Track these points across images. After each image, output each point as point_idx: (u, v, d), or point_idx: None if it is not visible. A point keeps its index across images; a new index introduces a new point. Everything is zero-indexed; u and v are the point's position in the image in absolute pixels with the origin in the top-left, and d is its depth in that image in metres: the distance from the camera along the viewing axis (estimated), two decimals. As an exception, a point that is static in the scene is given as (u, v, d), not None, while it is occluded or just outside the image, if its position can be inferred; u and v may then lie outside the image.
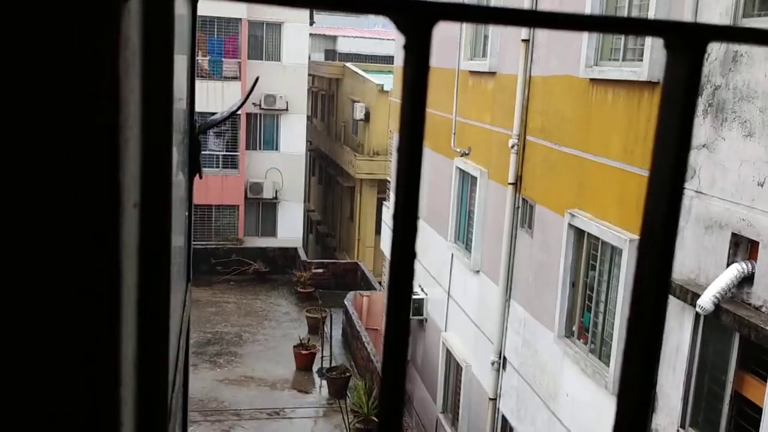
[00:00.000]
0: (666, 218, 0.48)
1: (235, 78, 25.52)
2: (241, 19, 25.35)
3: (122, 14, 0.49)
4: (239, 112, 25.37)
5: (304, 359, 17.78)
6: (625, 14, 8.05)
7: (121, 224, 0.51)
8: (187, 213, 1.89)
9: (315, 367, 17.81)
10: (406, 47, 0.42)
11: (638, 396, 0.47)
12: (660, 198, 0.48)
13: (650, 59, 7.26)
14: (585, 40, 8.53)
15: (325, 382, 16.96)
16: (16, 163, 0.50)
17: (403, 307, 0.47)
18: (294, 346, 18.01)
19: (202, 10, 26.38)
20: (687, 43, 0.47)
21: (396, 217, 0.45)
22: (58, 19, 0.48)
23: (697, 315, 6.48)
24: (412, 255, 0.46)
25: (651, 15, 7.28)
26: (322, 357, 17.70)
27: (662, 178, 0.48)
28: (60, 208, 0.50)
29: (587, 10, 8.47)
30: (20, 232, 0.51)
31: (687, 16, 6.73)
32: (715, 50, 6.35)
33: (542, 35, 9.85)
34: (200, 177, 1.90)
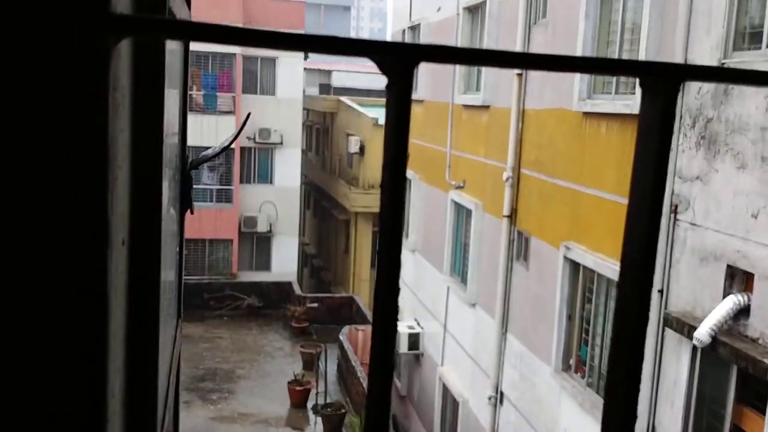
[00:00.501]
0: (644, 256, 0.48)
1: (229, 112, 25.68)
2: (235, 54, 25.60)
3: (112, 57, 0.49)
4: (233, 146, 25.47)
5: (299, 396, 17.58)
6: (617, 49, 8.15)
7: (108, 262, 0.51)
8: (178, 249, 1.87)
9: (310, 404, 17.60)
10: (387, 87, 0.42)
11: (624, 410, 0.47)
12: (638, 231, 0.49)
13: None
14: (578, 74, 8.62)
15: (320, 419, 16.74)
16: (4, 199, 0.50)
17: (388, 349, 0.46)
18: (288, 382, 17.82)
19: (197, 45, 26.77)
20: (661, 82, 0.48)
21: (381, 253, 0.45)
22: (48, 62, 0.49)
23: (695, 348, 6.44)
24: (396, 288, 0.45)
25: (642, 49, 7.36)
26: (317, 393, 17.50)
27: (640, 212, 0.48)
28: (48, 246, 0.51)
29: (579, 46, 8.57)
30: (8, 267, 0.51)
31: (678, 51, 6.80)
32: (707, 83, 6.42)
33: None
34: (191, 212, 1.88)
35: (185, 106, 1.90)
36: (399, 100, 0.42)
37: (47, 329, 0.52)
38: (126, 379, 0.74)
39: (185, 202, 1.79)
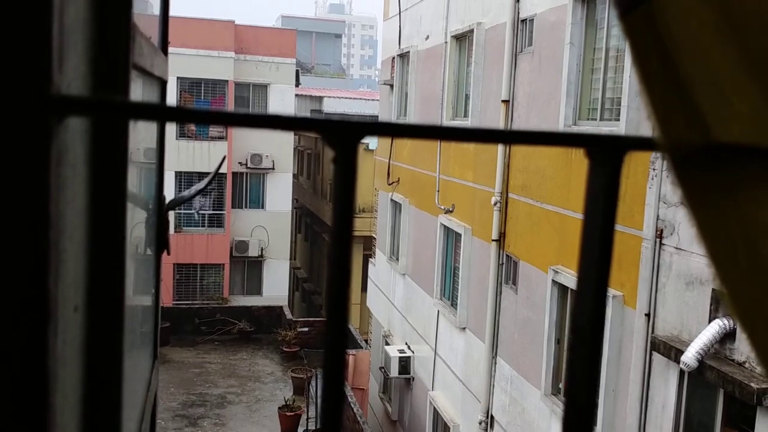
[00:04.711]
0: (592, 319, 0.50)
1: (221, 138, 25.74)
2: (227, 80, 25.73)
3: (55, 135, 0.50)
4: (225, 171, 25.51)
5: (289, 421, 17.44)
6: (601, 76, 8.28)
7: (49, 334, 0.51)
8: (154, 290, 1.89)
9: (300, 429, 17.46)
10: (334, 161, 0.47)
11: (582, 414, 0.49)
12: (587, 296, 0.51)
13: (627, 118, 7.43)
14: (563, 99, 8.74)
15: (311, 445, 16.60)
16: None
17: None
18: (279, 408, 17.69)
19: (189, 71, 26.53)
20: (607, 153, 0.51)
21: (328, 317, 0.48)
22: None
23: (682, 372, 6.48)
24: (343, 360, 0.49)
25: (626, 76, 7.47)
26: (307, 418, 17.37)
27: (588, 276, 0.51)
28: None
29: (564, 73, 8.70)
30: None
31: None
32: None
33: (522, 95, 10.07)
34: (168, 254, 1.91)
35: (163, 142, 1.92)
36: (344, 172, 0.46)
37: None
38: None
39: (161, 244, 1.81)
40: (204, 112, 0.47)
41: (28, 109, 0.48)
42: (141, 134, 1.41)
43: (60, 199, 0.53)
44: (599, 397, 7.97)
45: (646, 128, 7.06)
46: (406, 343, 14.87)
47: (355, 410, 16.36)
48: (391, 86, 16.26)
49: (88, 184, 0.68)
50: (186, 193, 3.27)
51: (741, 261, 0.45)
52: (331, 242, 0.47)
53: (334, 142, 0.46)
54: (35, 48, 0.50)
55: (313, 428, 16.97)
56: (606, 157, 0.51)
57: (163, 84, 1.67)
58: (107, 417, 0.76)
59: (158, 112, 0.45)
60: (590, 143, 0.52)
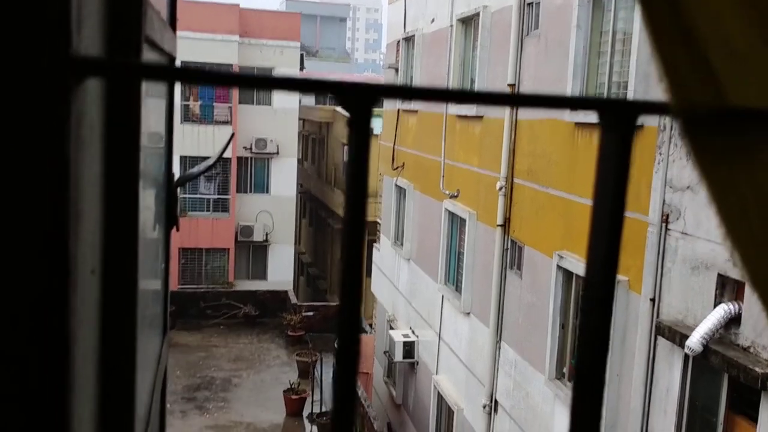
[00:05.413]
0: (605, 272, 0.51)
1: (226, 122, 25.73)
2: (232, 65, 25.66)
3: (75, 96, 0.51)
4: (230, 156, 25.51)
5: (295, 404, 17.56)
6: (608, 59, 8.23)
7: (70, 290, 0.52)
8: (164, 265, 1.90)
9: (305, 412, 17.58)
10: (349, 123, 0.47)
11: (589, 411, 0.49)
12: (598, 264, 0.51)
13: (633, 103, 7.39)
14: (570, 84, 8.69)
15: (315, 428, 16.72)
16: None
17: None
18: (284, 391, 17.80)
19: (194, 56, 26.46)
20: (619, 117, 0.50)
21: (342, 283, 0.48)
22: (7, 103, 0.50)
23: (686, 356, 6.49)
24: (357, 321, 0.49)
25: (633, 59, 7.43)
26: (312, 401, 17.48)
27: (598, 248, 0.51)
28: (4, 280, 0.51)
29: (570, 56, 8.65)
30: None
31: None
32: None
33: (528, 79, 10.03)
34: (177, 230, 1.92)
35: (172, 119, 1.93)
36: (359, 136, 0.47)
37: (7, 356, 0.51)
38: (98, 417, 0.73)
39: (171, 219, 1.82)
40: (215, 74, 0.47)
41: (50, 69, 0.49)
42: (150, 117, 1.42)
43: (79, 159, 0.54)
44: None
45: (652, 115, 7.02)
46: (411, 328, 14.92)
47: (359, 393, 16.45)
48: (396, 70, 16.20)
49: (103, 148, 0.69)
50: (195, 169, 3.28)
51: (753, 223, 0.45)
52: (346, 203, 0.48)
53: (350, 105, 0.46)
54: (57, 11, 0.51)
55: (318, 411, 17.07)
56: (618, 121, 0.50)
57: (171, 60, 1.67)
58: (122, 378, 0.77)
59: (171, 73, 0.46)
60: (602, 107, 0.52)
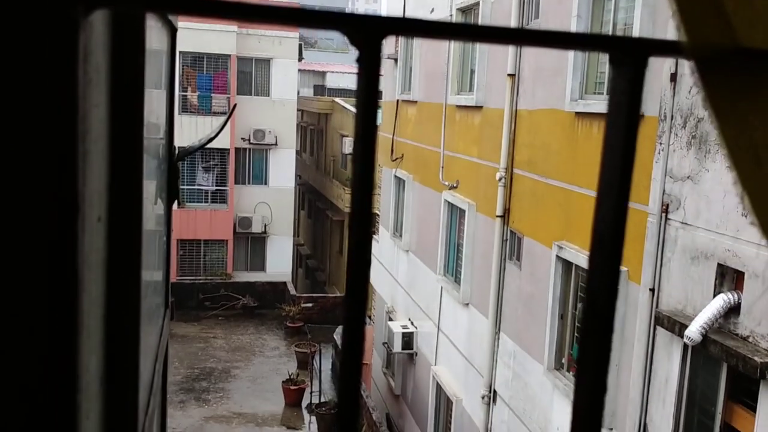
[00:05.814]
0: (613, 228, 0.50)
1: (224, 113, 25.66)
2: (230, 55, 25.59)
3: (81, 29, 0.50)
4: (228, 147, 25.46)
5: (293, 395, 17.59)
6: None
7: (79, 235, 0.51)
8: (165, 238, 1.88)
9: (304, 403, 17.61)
10: (358, 60, 0.45)
11: (592, 399, 0.48)
12: (607, 209, 0.50)
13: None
14: (570, 74, 8.66)
15: (314, 418, 16.75)
16: None
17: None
18: (283, 382, 17.83)
19: (192, 46, 26.43)
20: (629, 56, 0.49)
21: (352, 226, 0.47)
22: (12, 33, 0.49)
23: (686, 346, 6.49)
24: (367, 260, 0.47)
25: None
26: (311, 392, 17.51)
27: (609, 189, 0.50)
28: (12, 216, 0.50)
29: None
30: None
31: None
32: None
33: (528, 69, 9.99)
34: (179, 205, 1.90)
35: (172, 98, 1.91)
36: (368, 72, 0.45)
37: (15, 300, 0.51)
38: (105, 353, 0.72)
39: (172, 193, 1.80)
40: (219, 3, 0.45)
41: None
42: (152, 103, 1.40)
43: (86, 96, 0.52)
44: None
45: (651, 101, 7.01)
46: (410, 319, 14.92)
47: (358, 385, 16.46)
48: (396, 60, 16.15)
49: (109, 93, 0.67)
50: (196, 142, 3.26)
51: (763, 164, 0.45)
52: (355, 146, 0.46)
53: (358, 39, 0.44)
54: None
55: (317, 401, 17.10)
56: (628, 60, 0.49)
57: (173, 31, 1.65)
58: (127, 327, 0.76)
59: (177, 3, 0.44)
60: (612, 46, 0.50)
